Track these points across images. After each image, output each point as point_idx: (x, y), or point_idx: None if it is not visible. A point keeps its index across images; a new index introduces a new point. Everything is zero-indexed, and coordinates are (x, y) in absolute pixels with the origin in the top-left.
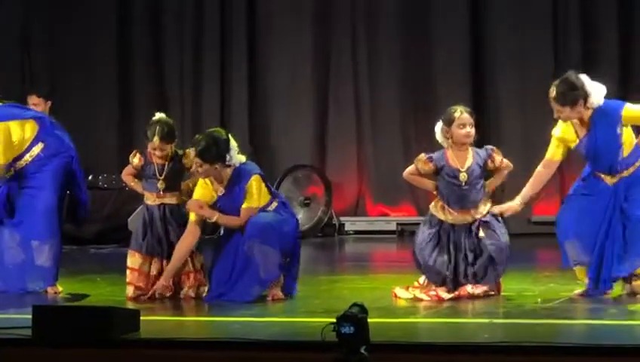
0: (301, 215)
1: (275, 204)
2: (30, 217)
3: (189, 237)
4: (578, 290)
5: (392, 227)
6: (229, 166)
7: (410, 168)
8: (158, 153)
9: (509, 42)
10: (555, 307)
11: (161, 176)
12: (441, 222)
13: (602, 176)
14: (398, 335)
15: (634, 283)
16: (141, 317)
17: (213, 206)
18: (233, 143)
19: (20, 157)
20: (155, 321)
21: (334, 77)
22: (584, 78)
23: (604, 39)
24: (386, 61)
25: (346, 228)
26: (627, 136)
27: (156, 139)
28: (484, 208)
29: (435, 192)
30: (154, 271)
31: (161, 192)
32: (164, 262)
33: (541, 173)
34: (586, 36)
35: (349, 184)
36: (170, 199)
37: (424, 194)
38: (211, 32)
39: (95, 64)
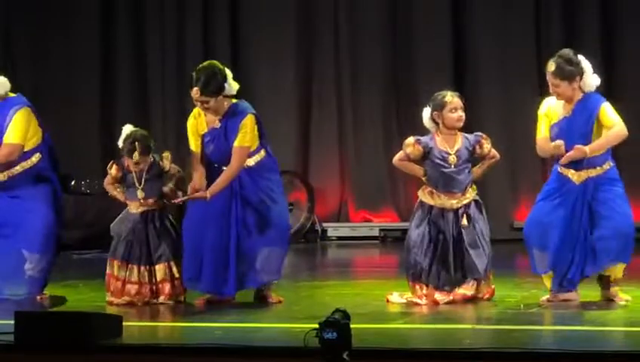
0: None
1: (262, 153)
2: (28, 232)
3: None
4: (545, 297)
5: (375, 233)
6: (227, 97)
7: (399, 154)
8: (139, 167)
9: (491, 42)
10: (537, 313)
11: (140, 185)
12: (430, 208)
13: (568, 172)
14: (381, 341)
15: (611, 289)
16: (123, 323)
17: (204, 137)
18: (228, 72)
19: (19, 161)
20: (137, 327)
21: (317, 83)
22: (581, 57)
23: (586, 29)
24: (370, 68)
25: (328, 234)
26: (600, 135)
27: (136, 155)
28: (471, 194)
29: (423, 178)
30: (132, 278)
31: (142, 200)
32: (142, 268)
33: (542, 145)
34: (567, 26)
35: (332, 190)
36: (153, 205)
37: (406, 200)
38: (194, 37)
39: (77, 68)
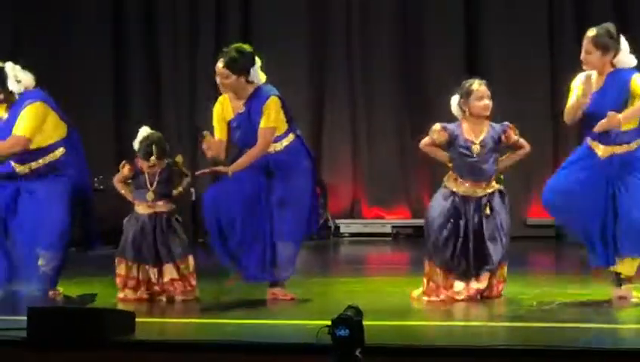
0: None
1: (291, 137)
2: (42, 229)
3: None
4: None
5: (388, 230)
6: (252, 82)
7: (426, 139)
8: (152, 169)
9: (503, 38)
10: (550, 310)
11: (151, 186)
12: (453, 193)
13: (595, 145)
14: (393, 338)
15: (623, 287)
16: (136, 319)
17: (231, 123)
18: (257, 60)
19: (40, 154)
20: (150, 323)
21: (329, 80)
22: (622, 37)
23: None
24: (382, 68)
25: (341, 231)
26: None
27: (153, 159)
28: (495, 183)
29: (449, 164)
30: (141, 277)
31: (151, 202)
32: (150, 268)
33: (571, 106)
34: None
35: (345, 187)
36: (162, 207)
37: (419, 197)
38: (206, 38)
39: (91, 63)
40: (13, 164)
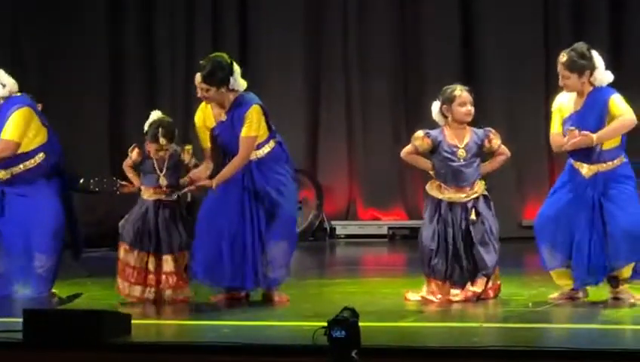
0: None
1: (272, 144)
2: (36, 231)
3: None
4: (554, 294)
5: (384, 231)
6: (233, 90)
7: (408, 148)
8: (161, 153)
9: (500, 37)
10: (545, 311)
11: (161, 172)
12: (439, 202)
13: (579, 165)
14: (389, 340)
15: (620, 287)
16: (132, 321)
17: (213, 131)
18: (236, 67)
19: (21, 159)
20: (146, 325)
21: (325, 83)
22: (594, 53)
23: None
24: (379, 67)
25: (337, 232)
26: None
27: (163, 140)
28: (479, 188)
29: (431, 172)
30: (139, 264)
31: (162, 188)
32: (151, 256)
33: (556, 140)
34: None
35: (341, 188)
36: (168, 194)
37: (415, 199)
38: (203, 32)
39: (86, 68)
40: None
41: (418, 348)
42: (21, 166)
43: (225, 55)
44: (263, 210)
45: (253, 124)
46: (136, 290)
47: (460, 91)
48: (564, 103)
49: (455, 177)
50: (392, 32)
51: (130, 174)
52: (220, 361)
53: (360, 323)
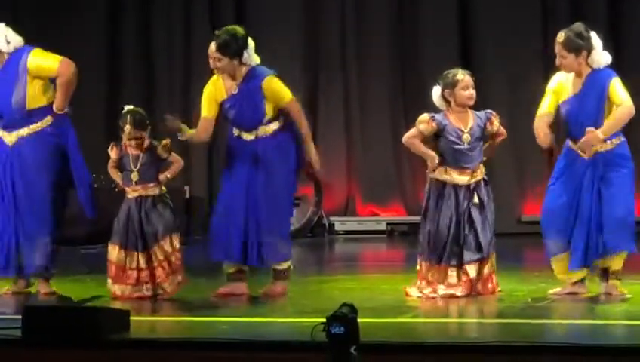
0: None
1: (282, 120)
2: (28, 210)
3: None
4: (555, 289)
5: (382, 227)
6: (245, 64)
7: (412, 131)
8: (133, 143)
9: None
10: (544, 306)
11: (135, 167)
12: (442, 185)
13: (578, 147)
14: (388, 336)
15: (610, 282)
16: (131, 318)
17: (224, 104)
18: (251, 42)
19: (26, 122)
20: (145, 321)
21: (323, 78)
22: (593, 33)
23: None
24: (376, 62)
25: (335, 229)
26: (611, 112)
27: (128, 127)
28: (481, 172)
29: (431, 163)
30: (132, 265)
31: (134, 184)
32: (139, 254)
33: (539, 125)
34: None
35: (339, 184)
36: (147, 190)
37: (414, 195)
38: (201, 33)
39: (83, 64)
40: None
41: (417, 344)
42: (26, 129)
43: (240, 28)
44: (264, 186)
45: (282, 90)
46: (128, 290)
47: (463, 75)
48: (562, 84)
49: (459, 160)
50: (390, 27)
51: (114, 176)
52: (219, 357)
53: (359, 319)
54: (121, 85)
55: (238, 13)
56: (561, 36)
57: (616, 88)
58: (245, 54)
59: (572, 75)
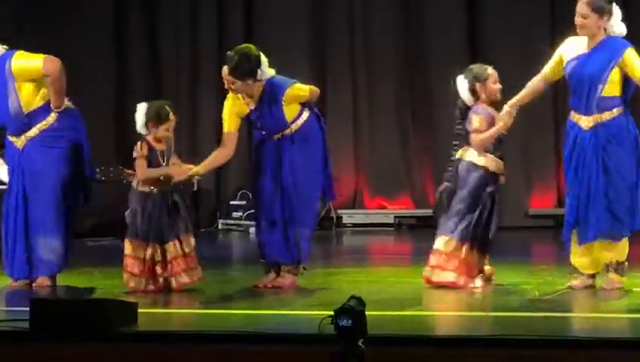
0: None
1: (305, 115)
2: (37, 210)
3: (225, 151)
4: (573, 282)
5: (390, 220)
6: (260, 81)
7: (480, 137)
8: (170, 133)
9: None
10: (552, 300)
11: (163, 162)
12: (482, 169)
13: (577, 118)
14: (396, 328)
15: (610, 275)
16: (139, 310)
17: (250, 117)
18: (263, 58)
19: (33, 123)
20: (153, 314)
21: (330, 71)
22: (613, 3)
23: None
24: (383, 55)
25: (343, 221)
26: (616, 80)
27: (173, 118)
28: None
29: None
30: (147, 257)
31: (161, 178)
32: (157, 246)
33: (534, 84)
34: None
35: (347, 177)
36: (169, 186)
37: (421, 187)
38: (208, 29)
39: (91, 58)
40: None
41: (424, 337)
42: (35, 130)
43: (252, 46)
44: (289, 184)
45: (301, 91)
46: (143, 283)
47: (491, 70)
48: (575, 44)
49: (497, 149)
50: (397, 27)
51: (146, 171)
52: (227, 350)
53: (366, 312)
54: (127, 84)
55: (246, 15)
56: None
57: (633, 58)
58: (259, 72)
59: (585, 39)
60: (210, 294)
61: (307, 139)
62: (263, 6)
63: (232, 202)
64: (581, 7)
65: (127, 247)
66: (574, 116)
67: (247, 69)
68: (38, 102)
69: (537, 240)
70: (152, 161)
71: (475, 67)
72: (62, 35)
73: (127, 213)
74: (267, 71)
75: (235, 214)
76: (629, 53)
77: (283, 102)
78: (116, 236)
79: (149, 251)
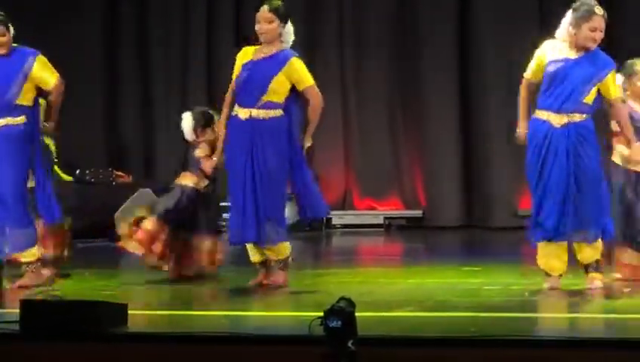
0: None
1: (281, 111)
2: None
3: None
4: (543, 284)
5: (380, 221)
6: (282, 37)
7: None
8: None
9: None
10: (541, 300)
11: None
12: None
13: (547, 115)
14: (386, 329)
15: (591, 274)
16: (129, 311)
17: (243, 68)
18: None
19: (7, 112)
20: (143, 315)
21: (320, 71)
22: None
23: None
24: (374, 55)
25: (333, 222)
26: (593, 90)
27: (217, 118)
28: None
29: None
30: (164, 236)
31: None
32: (189, 238)
33: (525, 93)
34: None
35: (337, 178)
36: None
37: (411, 188)
38: (197, 28)
39: (82, 59)
40: None
41: (415, 338)
42: (2, 121)
43: None
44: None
45: (306, 73)
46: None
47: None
48: (556, 47)
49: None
50: (388, 16)
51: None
52: (216, 351)
53: (356, 313)
54: (118, 86)
55: (237, 3)
56: (601, 10)
57: (613, 82)
58: (287, 26)
59: (566, 44)
60: (200, 295)
61: (272, 133)
62: (252, 5)
63: (222, 203)
64: (602, 23)
65: (147, 223)
66: (542, 114)
67: (284, 13)
68: (26, 101)
69: (526, 241)
70: (189, 159)
71: (629, 63)
72: (52, 37)
73: (116, 214)
74: (291, 33)
75: (226, 215)
76: (612, 75)
77: (284, 67)
78: (106, 237)
79: (173, 240)
